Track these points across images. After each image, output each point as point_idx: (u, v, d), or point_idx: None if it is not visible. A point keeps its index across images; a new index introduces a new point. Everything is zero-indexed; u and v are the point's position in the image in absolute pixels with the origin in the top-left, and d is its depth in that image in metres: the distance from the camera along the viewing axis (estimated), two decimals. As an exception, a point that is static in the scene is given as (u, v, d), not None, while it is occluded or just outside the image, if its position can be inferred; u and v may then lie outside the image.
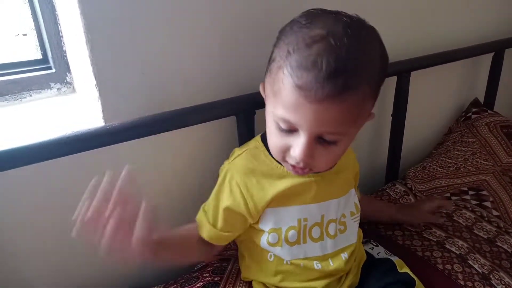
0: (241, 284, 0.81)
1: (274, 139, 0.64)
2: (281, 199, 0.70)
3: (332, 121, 0.57)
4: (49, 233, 0.80)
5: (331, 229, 0.74)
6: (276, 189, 0.69)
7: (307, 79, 0.54)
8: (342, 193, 0.76)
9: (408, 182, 1.21)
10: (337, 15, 0.59)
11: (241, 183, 0.70)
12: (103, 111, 0.77)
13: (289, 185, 0.70)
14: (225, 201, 0.70)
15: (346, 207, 0.77)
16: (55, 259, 0.82)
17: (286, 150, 0.63)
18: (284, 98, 0.58)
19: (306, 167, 0.64)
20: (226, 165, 0.74)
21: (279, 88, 0.59)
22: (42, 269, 0.80)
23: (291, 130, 0.60)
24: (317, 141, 0.60)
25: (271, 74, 0.62)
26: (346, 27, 0.56)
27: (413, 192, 1.17)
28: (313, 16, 0.60)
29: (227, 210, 0.70)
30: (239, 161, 0.73)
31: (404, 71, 1.16)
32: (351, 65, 0.54)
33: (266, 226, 0.72)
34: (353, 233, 0.78)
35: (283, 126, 0.60)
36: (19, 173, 0.70)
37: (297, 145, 0.60)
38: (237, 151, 0.76)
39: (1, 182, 0.72)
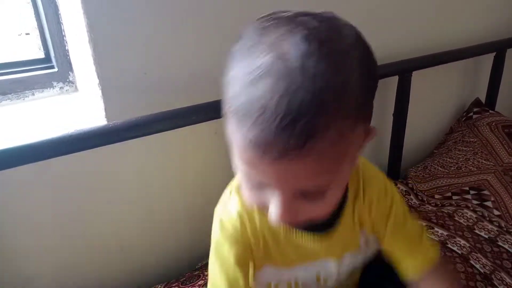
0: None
1: (246, 192, 0.48)
2: (264, 255, 0.58)
3: (305, 176, 0.41)
4: (51, 231, 0.80)
5: (330, 281, 0.63)
6: None
7: (255, 132, 0.38)
8: (349, 248, 0.60)
9: (409, 181, 1.21)
10: (291, 23, 0.41)
11: (236, 225, 0.57)
12: (105, 109, 0.78)
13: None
14: (233, 252, 0.56)
15: (356, 256, 0.63)
16: (56, 257, 0.82)
17: (263, 207, 0.47)
18: (238, 150, 0.43)
19: (292, 224, 0.50)
20: (216, 213, 0.61)
21: (231, 136, 0.44)
22: (43, 267, 0.81)
23: (262, 184, 0.44)
24: (299, 194, 0.44)
25: (225, 110, 0.45)
26: (304, 42, 0.39)
27: (414, 191, 1.17)
28: (263, 29, 0.43)
29: (240, 260, 0.56)
30: (227, 207, 0.60)
31: (405, 70, 1.16)
32: (313, 101, 0.37)
33: (254, 281, 0.59)
34: (357, 270, 0.67)
35: (250, 181, 0.46)
36: (21, 172, 0.71)
37: (274, 204, 0.44)
38: (224, 194, 0.63)
39: (3, 181, 0.72)
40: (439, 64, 1.26)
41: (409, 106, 1.21)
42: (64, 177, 0.79)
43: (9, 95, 0.86)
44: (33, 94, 0.88)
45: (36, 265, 0.80)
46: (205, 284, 0.79)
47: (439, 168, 1.27)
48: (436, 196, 1.15)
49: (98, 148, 0.73)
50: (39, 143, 0.65)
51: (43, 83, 0.89)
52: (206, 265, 0.87)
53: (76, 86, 0.91)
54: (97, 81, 0.75)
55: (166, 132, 0.80)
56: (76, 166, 0.79)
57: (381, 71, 1.10)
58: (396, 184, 1.19)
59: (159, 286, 0.85)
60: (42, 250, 0.80)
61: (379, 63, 1.20)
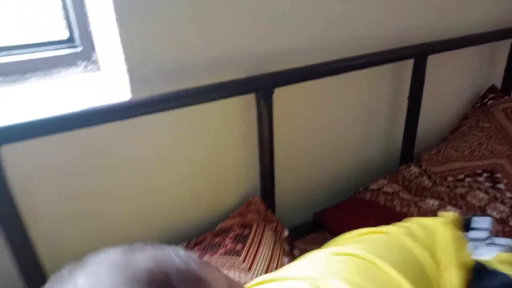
0: (262, 254, 0.85)
1: None
2: None
3: None
4: (79, 199, 0.85)
5: None
6: None
7: None
8: None
9: (422, 164, 1.22)
10: None
11: None
12: (130, 85, 0.81)
13: None
14: None
15: None
16: (84, 222, 0.87)
17: None
18: None
19: None
20: None
21: None
22: (72, 232, 0.85)
23: None
24: None
25: None
26: None
27: (427, 173, 1.19)
28: None
29: None
30: None
31: (421, 54, 1.16)
32: None
33: None
34: None
35: None
36: (53, 142, 0.75)
37: None
38: None
39: (36, 150, 0.77)
40: (455, 48, 1.26)
41: (423, 91, 1.22)
42: (93, 148, 0.83)
43: (37, 73, 0.90)
44: (59, 72, 0.92)
45: (66, 229, 0.84)
46: (226, 253, 0.82)
47: (453, 151, 1.29)
48: (449, 178, 1.17)
49: (124, 121, 0.78)
50: (70, 115, 0.69)
51: (68, 62, 0.92)
52: (227, 231, 0.91)
53: (98, 66, 0.95)
54: (124, 56, 0.78)
55: (188, 108, 0.83)
56: (106, 137, 0.83)
57: (396, 54, 1.12)
58: (409, 166, 1.21)
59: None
60: (71, 216, 0.84)
61: (394, 46, 1.20)
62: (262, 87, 0.89)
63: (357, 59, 1.02)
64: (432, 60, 1.20)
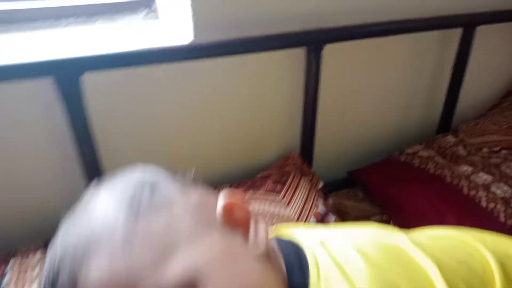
0: (299, 194, 0.92)
1: None
2: None
3: None
4: (139, 132, 0.94)
5: None
6: None
7: None
8: None
9: (459, 134, 1.25)
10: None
11: None
12: (194, 31, 0.87)
13: None
14: None
15: None
16: (142, 155, 0.96)
17: None
18: None
19: None
20: None
21: None
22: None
23: None
24: None
25: None
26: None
27: (463, 143, 1.21)
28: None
29: None
30: None
31: (470, 23, 1.16)
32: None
33: None
34: None
35: None
36: (119, 78, 0.83)
37: None
38: None
39: (112, 83, 0.85)
40: (507, 21, 1.24)
41: (468, 62, 1.22)
42: (155, 89, 0.91)
43: (104, 16, 0.98)
44: (122, 18, 1.00)
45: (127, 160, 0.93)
46: (267, 191, 0.90)
47: (491, 125, 1.30)
48: (484, 149, 1.18)
49: (183, 66, 0.85)
50: (141, 51, 0.76)
51: (131, 9, 1.00)
52: (267, 177, 0.98)
53: (157, 14, 1.01)
54: (190, 3, 0.84)
55: (244, 56, 0.89)
56: (166, 79, 0.91)
57: (445, 21, 1.12)
58: (446, 135, 1.23)
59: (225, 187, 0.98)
60: (132, 149, 0.94)
61: (443, 13, 1.20)
62: (313, 42, 0.93)
63: (406, 23, 1.04)
64: (479, 32, 1.19)
